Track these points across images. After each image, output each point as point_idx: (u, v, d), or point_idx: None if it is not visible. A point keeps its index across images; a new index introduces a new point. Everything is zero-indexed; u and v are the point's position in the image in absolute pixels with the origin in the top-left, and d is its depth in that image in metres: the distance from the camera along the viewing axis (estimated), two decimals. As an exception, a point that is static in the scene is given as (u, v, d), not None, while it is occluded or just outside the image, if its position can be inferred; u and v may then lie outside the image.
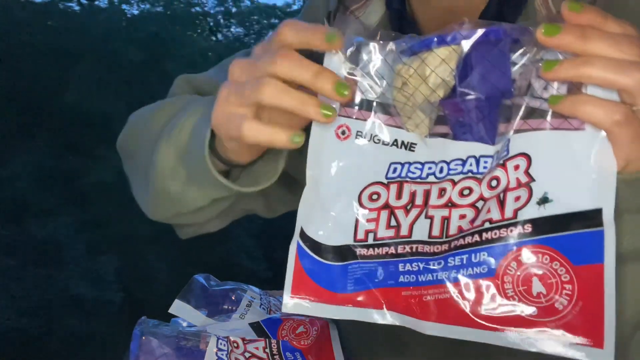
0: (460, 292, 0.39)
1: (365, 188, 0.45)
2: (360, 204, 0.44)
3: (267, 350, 0.60)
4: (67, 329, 4.38)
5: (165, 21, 7.85)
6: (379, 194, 0.44)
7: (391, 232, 0.43)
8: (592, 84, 0.35)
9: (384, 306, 0.42)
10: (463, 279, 0.39)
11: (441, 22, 0.45)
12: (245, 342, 0.60)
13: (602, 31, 0.35)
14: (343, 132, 0.45)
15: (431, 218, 0.42)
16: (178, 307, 0.65)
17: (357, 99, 0.45)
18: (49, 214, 4.95)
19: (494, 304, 0.38)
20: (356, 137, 0.45)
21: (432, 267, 0.41)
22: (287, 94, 0.41)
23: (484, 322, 0.38)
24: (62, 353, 4.23)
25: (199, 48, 8.62)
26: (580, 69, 0.34)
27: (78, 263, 4.83)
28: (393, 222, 0.43)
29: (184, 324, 0.65)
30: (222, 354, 0.57)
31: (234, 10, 10.40)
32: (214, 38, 10.19)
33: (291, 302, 0.44)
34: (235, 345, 0.59)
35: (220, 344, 0.58)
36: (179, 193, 0.52)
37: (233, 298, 0.68)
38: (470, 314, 0.39)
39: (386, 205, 0.44)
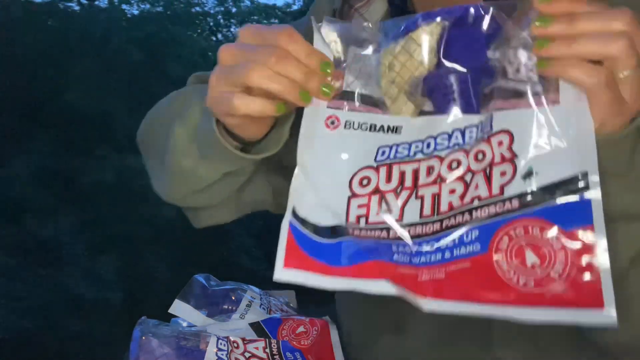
0: (455, 272, 0.39)
1: (355, 174, 0.46)
2: (351, 190, 0.46)
3: (267, 350, 0.59)
4: (67, 328, 4.38)
5: (165, 21, 7.84)
6: (369, 179, 0.46)
7: (382, 218, 0.44)
8: (584, 58, 0.38)
9: (381, 277, 0.42)
10: (456, 259, 0.40)
11: None
12: (245, 342, 0.60)
13: (583, 12, 0.38)
14: (332, 122, 0.48)
15: (422, 198, 0.43)
16: (178, 307, 0.65)
17: (345, 91, 0.48)
18: (48, 213, 4.95)
19: (490, 280, 0.38)
20: (345, 127, 0.47)
21: (424, 249, 0.41)
22: (273, 80, 0.44)
23: (481, 298, 0.38)
24: (62, 353, 4.23)
25: (199, 48, 8.60)
26: (572, 45, 0.38)
27: (78, 263, 4.83)
28: (384, 207, 0.44)
29: (184, 324, 0.64)
30: (222, 354, 0.57)
31: (234, 10, 10.39)
32: (214, 38, 10.18)
33: (284, 273, 0.45)
34: (235, 345, 0.59)
35: (220, 344, 0.58)
36: (192, 169, 0.56)
37: (233, 298, 0.67)
38: (467, 291, 0.39)
39: (376, 190, 0.45)
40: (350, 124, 0.48)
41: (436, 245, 0.41)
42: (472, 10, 0.43)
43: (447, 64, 0.44)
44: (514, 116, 0.41)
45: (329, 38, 0.48)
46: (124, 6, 7.64)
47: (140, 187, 6.33)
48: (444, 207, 0.42)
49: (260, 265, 6.39)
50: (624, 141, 0.40)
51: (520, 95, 0.41)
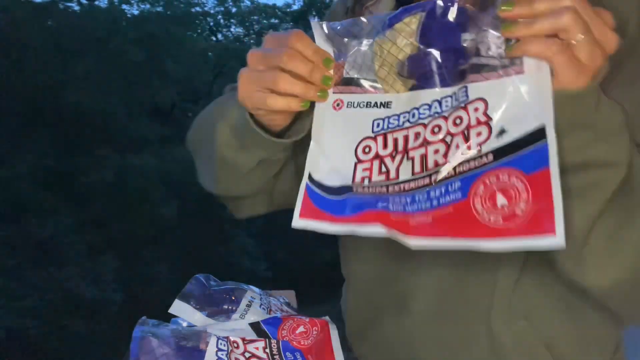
0: (440, 215, 0.48)
1: (359, 144, 0.56)
2: (357, 157, 0.55)
3: (267, 350, 0.59)
4: (67, 328, 4.38)
5: (165, 21, 7.85)
6: (370, 147, 0.55)
7: (382, 177, 0.53)
8: (542, 34, 0.46)
9: (375, 222, 0.51)
10: (441, 206, 0.48)
11: None
12: (245, 342, 0.60)
13: None
14: (338, 104, 0.58)
15: (412, 159, 0.52)
16: (178, 307, 0.65)
17: (346, 78, 0.58)
18: (48, 213, 4.96)
19: (467, 220, 0.46)
20: (347, 106, 0.58)
21: (416, 199, 0.50)
22: (295, 85, 0.55)
23: (458, 234, 0.47)
24: (62, 352, 4.24)
25: (199, 48, 8.62)
26: (532, 26, 0.46)
27: (78, 263, 4.83)
28: (383, 169, 0.53)
29: (184, 324, 0.64)
30: (222, 354, 0.57)
31: (233, 10, 10.41)
32: (213, 38, 10.19)
33: (300, 222, 0.55)
34: (235, 345, 0.59)
35: (220, 344, 0.58)
36: (233, 158, 0.67)
37: (233, 298, 0.67)
38: (448, 230, 0.47)
39: (377, 156, 0.54)
40: (351, 104, 0.58)
41: (426, 196, 0.49)
42: (440, 2, 0.52)
43: (424, 47, 0.53)
44: (487, 87, 0.50)
45: (329, 35, 0.58)
46: (124, 6, 7.65)
47: (140, 187, 6.33)
48: (430, 164, 0.51)
49: (260, 265, 6.39)
50: (588, 96, 0.47)
51: (492, 69, 0.50)
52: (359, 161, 0.55)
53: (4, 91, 5.12)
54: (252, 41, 10.39)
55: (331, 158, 0.57)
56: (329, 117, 0.58)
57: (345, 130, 0.57)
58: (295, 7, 10.58)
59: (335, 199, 0.55)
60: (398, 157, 0.52)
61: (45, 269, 4.54)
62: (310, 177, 0.57)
